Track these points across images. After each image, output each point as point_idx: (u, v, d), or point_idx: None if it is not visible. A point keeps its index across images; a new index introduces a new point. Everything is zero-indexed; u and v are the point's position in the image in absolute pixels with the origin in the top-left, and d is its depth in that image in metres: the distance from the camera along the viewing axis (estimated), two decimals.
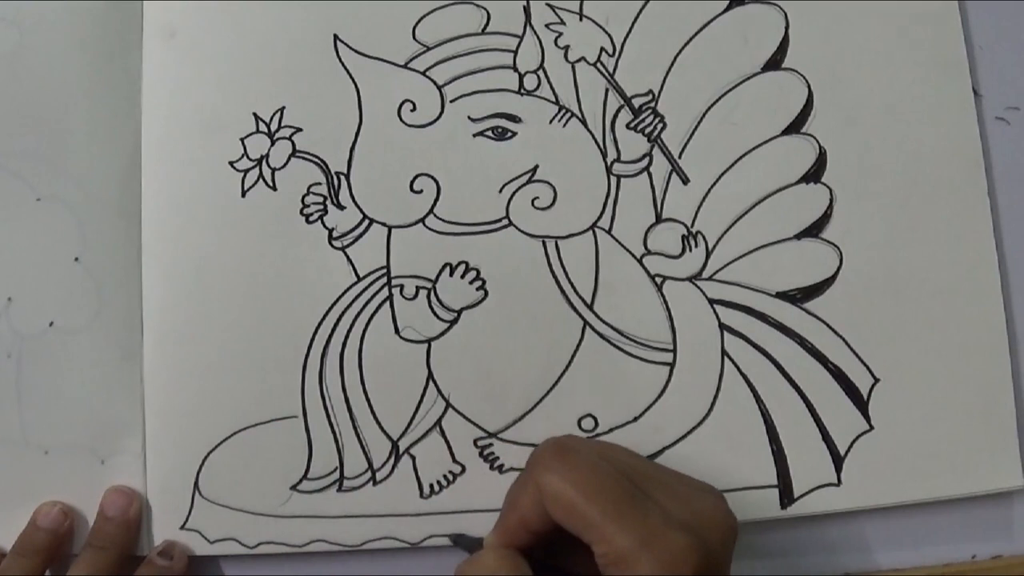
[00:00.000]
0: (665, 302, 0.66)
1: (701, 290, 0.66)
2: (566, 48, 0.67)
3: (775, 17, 0.68)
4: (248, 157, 0.66)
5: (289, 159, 0.67)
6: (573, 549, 0.55)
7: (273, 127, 0.67)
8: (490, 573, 0.55)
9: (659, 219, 0.66)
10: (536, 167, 0.67)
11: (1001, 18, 0.69)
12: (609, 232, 0.66)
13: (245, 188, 0.66)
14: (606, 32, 0.68)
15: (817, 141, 0.67)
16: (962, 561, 0.65)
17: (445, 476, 0.65)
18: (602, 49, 0.67)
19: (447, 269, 0.66)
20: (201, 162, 0.67)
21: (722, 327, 0.66)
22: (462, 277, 0.66)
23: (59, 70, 0.67)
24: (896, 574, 0.64)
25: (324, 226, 0.66)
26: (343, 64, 0.67)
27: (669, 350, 0.66)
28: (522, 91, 0.67)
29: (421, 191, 0.66)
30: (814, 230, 0.66)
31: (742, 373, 0.65)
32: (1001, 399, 0.65)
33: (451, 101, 0.67)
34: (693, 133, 0.67)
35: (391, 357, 0.66)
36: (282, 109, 0.67)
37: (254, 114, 0.67)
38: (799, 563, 0.65)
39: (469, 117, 0.67)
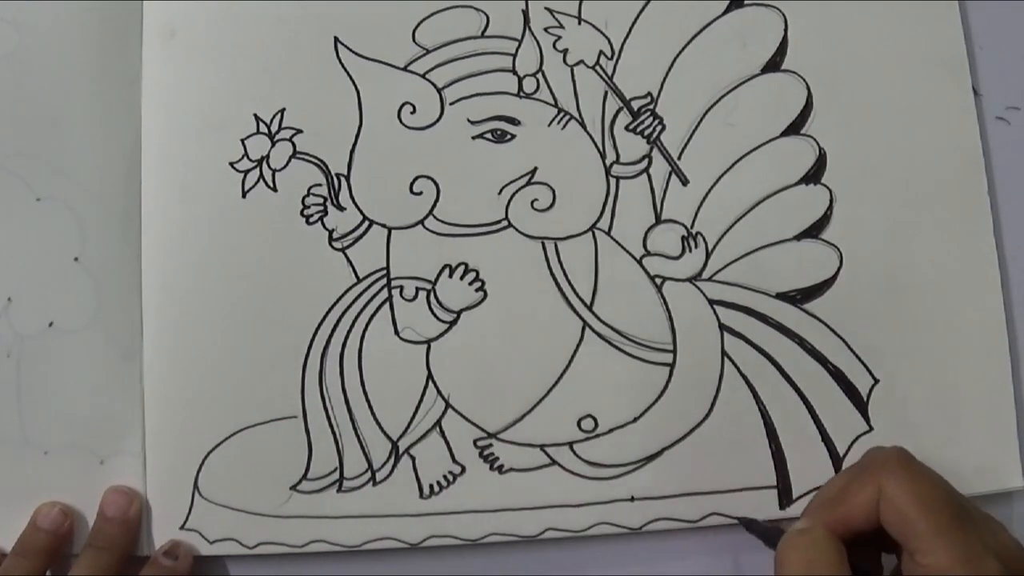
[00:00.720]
0: (665, 303, 0.66)
1: (701, 291, 0.66)
2: (565, 51, 0.68)
3: (774, 19, 0.68)
4: (248, 158, 0.67)
5: (289, 160, 0.67)
6: (859, 554, 0.58)
7: (274, 128, 0.67)
8: (821, 548, 0.57)
9: (659, 220, 0.67)
10: (535, 169, 0.67)
11: (1001, 18, 0.69)
12: (608, 233, 0.66)
13: (245, 189, 0.66)
14: (604, 35, 0.68)
15: (817, 142, 0.67)
16: None
17: (445, 476, 0.65)
18: (600, 52, 0.68)
19: (446, 270, 0.66)
20: (201, 163, 0.67)
21: (722, 328, 0.66)
22: (461, 278, 0.66)
23: (59, 70, 0.67)
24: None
25: (324, 227, 0.66)
26: (343, 66, 0.67)
27: (669, 351, 0.66)
28: (521, 94, 0.67)
29: (421, 193, 0.66)
30: (814, 231, 0.66)
31: (742, 374, 0.65)
32: (1001, 399, 0.65)
33: (451, 104, 0.67)
34: (692, 135, 0.67)
35: (391, 358, 0.66)
36: (283, 110, 0.67)
37: (255, 115, 0.67)
38: None
39: (468, 119, 0.67)
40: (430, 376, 0.65)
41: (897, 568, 0.59)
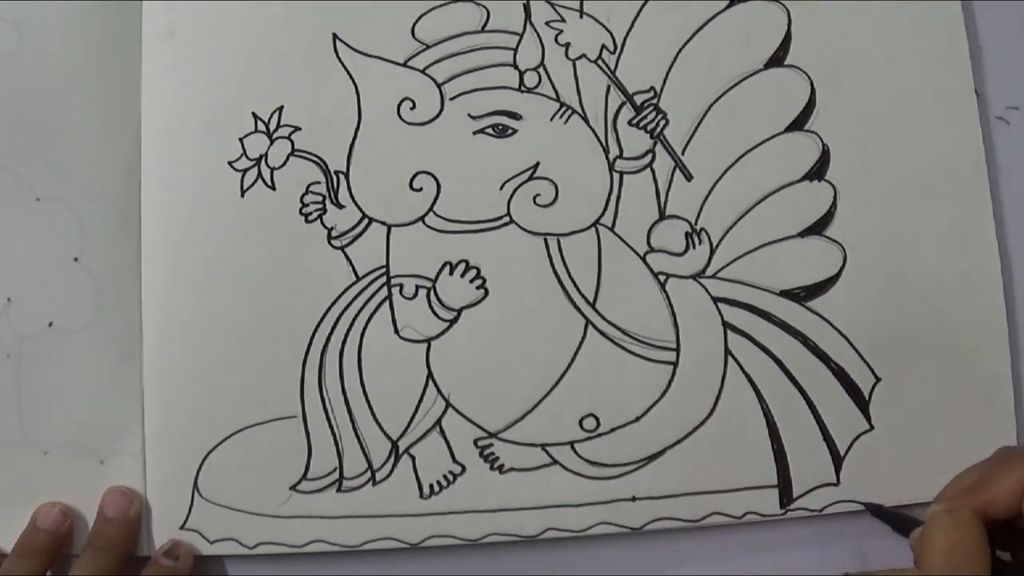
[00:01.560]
0: (668, 300, 0.65)
1: (705, 288, 0.66)
2: (567, 45, 0.67)
3: (777, 14, 0.67)
4: (247, 156, 0.66)
5: (288, 158, 0.66)
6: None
7: (272, 126, 0.67)
8: (968, 529, 0.57)
9: (662, 216, 0.66)
10: (537, 164, 0.66)
11: (1000, 17, 0.69)
12: (612, 229, 0.66)
13: (244, 188, 0.66)
14: (607, 29, 0.67)
15: (820, 138, 0.66)
16: None
17: (445, 476, 0.65)
18: (603, 46, 0.67)
19: (447, 268, 0.66)
20: (200, 162, 0.66)
21: (725, 325, 0.65)
22: (462, 276, 0.66)
23: (58, 70, 0.67)
24: (895, 574, 0.63)
25: (323, 225, 0.66)
26: (342, 63, 0.67)
27: (672, 349, 0.65)
28: (522, 88, 0.67)
29: (421, 189, 0.66)
30: (818, 228, 0.66)
31: (745, 372, 0.65)
32: (1001, 400, 0.65)
33: (451, 99, 0.67)
34: (696, 130, 0.67)
35: (391, 357, 0.65)
36: (281, 108, 0.67)
37: (253, 113, 0.67)
38: (798, 562, 0.65)
39: (469, 115, 0.67)
40: (430, 375, 0.65)
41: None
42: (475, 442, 0.65)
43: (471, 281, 0.66)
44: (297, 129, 0.66)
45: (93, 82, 0.67)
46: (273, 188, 0.66)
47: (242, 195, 0.66)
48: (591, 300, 0.66)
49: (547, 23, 0.67)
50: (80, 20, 0.67)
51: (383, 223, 0.66)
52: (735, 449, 0.65)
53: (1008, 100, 0.68)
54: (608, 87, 0.67)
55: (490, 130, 0.67)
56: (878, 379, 0.65)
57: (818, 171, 0.66)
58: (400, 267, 0.66)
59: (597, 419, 0.65)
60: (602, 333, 0.65)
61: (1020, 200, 0.67)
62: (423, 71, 0.67)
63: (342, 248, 0.66)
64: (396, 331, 0.65)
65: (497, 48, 0.67)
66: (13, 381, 0.66)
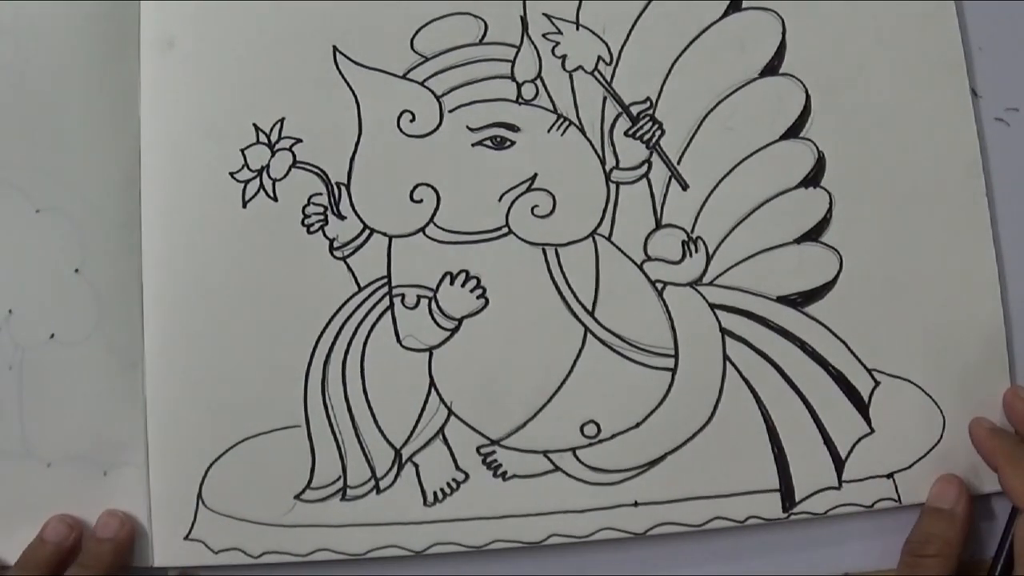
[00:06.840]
0: (666, 307, 0.66)
1: (702, 295, 0.66)
2: (563, 57, 0.68)
3: (772, 22, 0.68)
4: (248, 168, 0.67)
5: (289, 170, 0.67)
6: None
7: (273, 138, 0.67)
8: None
9: (659, 225, 0.67)
10: (535, 175, 0.67)
11: (1000, 19, 0.69)
12: (609, 239, 0.66)
13: (246, 199, 0.66)
14: (603, 40, 0.68)
15: (815, 145, 0.67)
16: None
17: (448, 484, 0.65)
18: (599, 58, 0.68)
19: (448, 278, 0.66)
20: (201, 173, 0.67)
21: (723, 332, 0.66)
22: (463, 285, 0.66)
23: (56, 80, 0.67)
24: (896, 574, 0.64)
25: (325, 236, 0.66)
26: (342, 75, 0.67)
27: (671, 355, 0.66)
28: (520, 100, 0.67)
29: (421, 200, 0.66)
30: (814, 234, 0.66)
31: (743, 377, 0.65)
32: (1000, 401, 0.65)
33: (450, 111, 0.67)
34: (692, 139, 0.67)
35: (393, 366, 0.66)
36: (282, 120, 0.67)
37: (254, 125, 0.67)
38: (799, 563, 0.65)
39: (468, 127, 0.67)
40: (432, 384, 0.65)
41: None
42: (478, 449, 0.65)
43: (472, 291, 0.66)
44: (298, 141, 0.67)
45: (92, 92, 0.67)
46: (275, 199, 0.66)
47: (244, 206, 0.66)
48: (590, 308, 0.66)
49: (544, 35, 0.68)
50: (78, 30, 0.68)
51: (384, 234, 0.66)
52: (736, 454, 0.65)
53: (1007, 101, 0.68)
54: (604, 98, 0.67)
55: (488, 142, 0.67)
56: (877, 383, 0.65)
57: (813, 178, 0.67)
58: (401, 277, 0.66)
59: (598, 425, 0.65)
60: (601, 341, 0.66)
61: (1018, 202, 0.67)
62: (422, 83, 0.67)
63: (344, 258, 0.66)
64: (398, 340, 0.66)
65: (495, 60, 0.68)
66: (15, 393, 0.65)
